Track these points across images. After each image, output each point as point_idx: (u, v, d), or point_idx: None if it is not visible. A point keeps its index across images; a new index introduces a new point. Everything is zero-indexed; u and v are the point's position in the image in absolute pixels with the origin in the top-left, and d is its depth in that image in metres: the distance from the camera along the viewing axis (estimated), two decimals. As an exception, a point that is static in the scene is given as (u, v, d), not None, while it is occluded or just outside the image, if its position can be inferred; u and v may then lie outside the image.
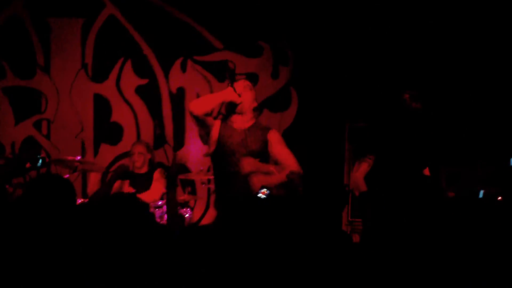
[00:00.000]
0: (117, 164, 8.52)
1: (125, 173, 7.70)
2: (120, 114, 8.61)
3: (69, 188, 3.60)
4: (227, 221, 3.59)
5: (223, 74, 8.63)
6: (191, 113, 5.51)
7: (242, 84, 5.68)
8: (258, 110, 5.74)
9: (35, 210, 3.43)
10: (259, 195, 5.31)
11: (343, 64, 8.54)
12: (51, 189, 3.50)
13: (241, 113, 5.62)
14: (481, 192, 6.27)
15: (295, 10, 8.57)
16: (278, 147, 5.60)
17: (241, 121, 5.62)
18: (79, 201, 7.02)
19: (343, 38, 8.50)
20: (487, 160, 7.03)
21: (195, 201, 8.55)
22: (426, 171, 5.99)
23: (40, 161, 7.19)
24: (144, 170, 7.79)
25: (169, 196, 6.70)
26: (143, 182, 7.64)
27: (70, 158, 7.57)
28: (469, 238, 3.48)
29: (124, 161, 8.32)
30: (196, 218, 8.41)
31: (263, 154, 5.56)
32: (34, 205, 3.44)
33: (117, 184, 7.65)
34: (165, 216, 7.06)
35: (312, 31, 8.58)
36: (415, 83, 8.00)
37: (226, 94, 5.61)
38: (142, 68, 8.63)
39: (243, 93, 5.61)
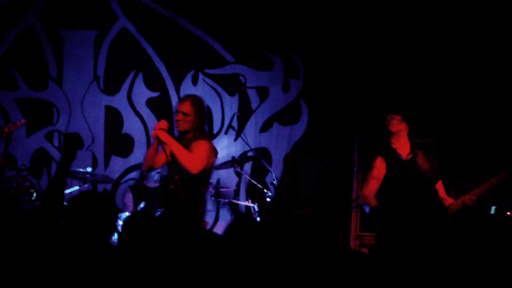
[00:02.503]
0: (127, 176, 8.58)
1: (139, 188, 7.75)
2: (131, 126, 8.65)
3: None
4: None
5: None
6: None
7: None
8: None
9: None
10: None
11: (353, 77, 8.56)
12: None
13: None
14: (493, 208, 6.27)
15: (306, 23, 8.59)
16: None
17: None
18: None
19: (353, 51, 8.53)
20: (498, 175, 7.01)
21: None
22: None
23: (35, 195, 7.25)
24: (157, 184, 7.85)
25: None
26: (155, 198, 7.64)
27: (81, 170, 7.60)
28: (479, 251, 3.49)
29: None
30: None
31: None
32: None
33: None
34: None
35: (323, 44, 8.60)
36: (424, 98, 8.05)
37: None
38: (153, 81, 8.67)
39: None
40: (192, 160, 5.69)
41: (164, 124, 5.74)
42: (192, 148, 5.78)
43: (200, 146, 5.80)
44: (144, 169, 6.04)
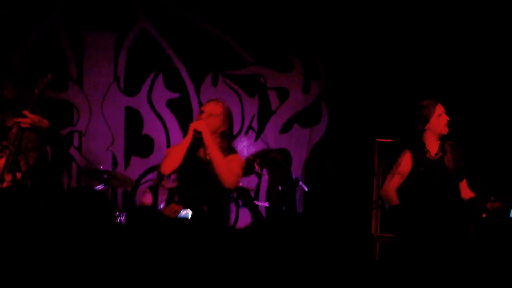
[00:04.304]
0: (147, 177, 8.60)
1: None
2: (151, 127, 8.66)
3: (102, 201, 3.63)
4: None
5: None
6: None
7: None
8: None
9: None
10: None
11: (374, 79, 8.53)
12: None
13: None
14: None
15: (327, 24, 8.58)
16: None
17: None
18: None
19: (374, 52, 8.50)
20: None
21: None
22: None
23: None
24: (175, 184, 7.82)
25: None
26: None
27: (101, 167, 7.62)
28: (498, 253, 3.45)
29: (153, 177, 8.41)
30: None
31: None
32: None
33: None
34: None
35: (343, 45, 8.58)
36: (446, 98, 7.99)
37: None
38: (173, 82, 8.67)
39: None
40: (233, 174, 5.43)
41: (203, 125, 5.37)
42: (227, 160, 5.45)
43: (237, 160, 5.54)
44: (167, 172, 5.58)
